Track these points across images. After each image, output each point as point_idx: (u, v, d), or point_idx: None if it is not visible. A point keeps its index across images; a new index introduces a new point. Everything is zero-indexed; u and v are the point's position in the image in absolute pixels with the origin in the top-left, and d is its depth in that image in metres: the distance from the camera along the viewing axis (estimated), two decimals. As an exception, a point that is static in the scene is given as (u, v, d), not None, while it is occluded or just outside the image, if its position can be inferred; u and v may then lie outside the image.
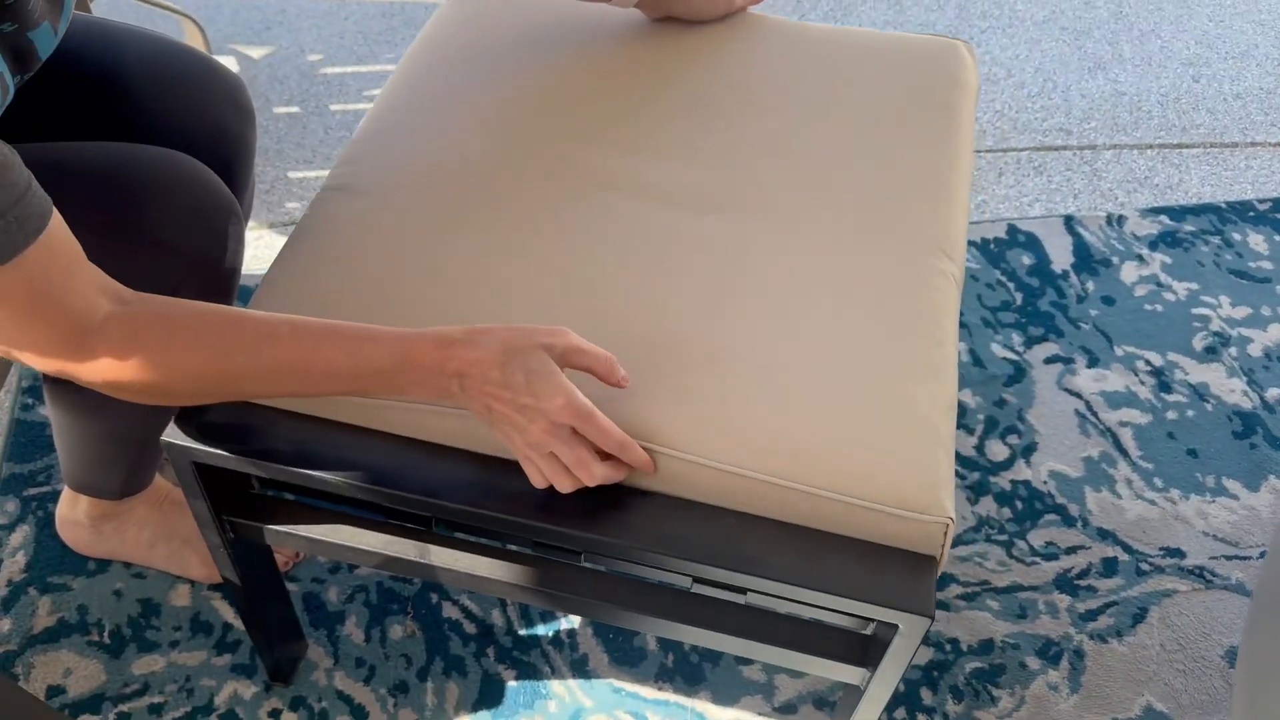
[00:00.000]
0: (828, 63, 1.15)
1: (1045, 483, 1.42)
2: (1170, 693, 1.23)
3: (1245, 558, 1.36)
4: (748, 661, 1.22)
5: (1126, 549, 1.35)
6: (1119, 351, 1.58)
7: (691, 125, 1.07)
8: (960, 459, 1.43)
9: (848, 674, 0.89)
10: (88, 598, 1.24)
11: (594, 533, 0.80)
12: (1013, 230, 1.74)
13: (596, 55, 1.13)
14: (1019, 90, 2.05)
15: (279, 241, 1.67)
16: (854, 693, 0.91)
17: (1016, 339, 1.58)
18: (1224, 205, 1.82)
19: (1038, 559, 1.34)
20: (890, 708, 1.20)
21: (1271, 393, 1.54)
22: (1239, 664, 0.99)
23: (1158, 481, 1.43)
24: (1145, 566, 1.34)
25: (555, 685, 1.20)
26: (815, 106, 1.10)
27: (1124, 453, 1.46)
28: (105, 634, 1.21)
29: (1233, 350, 1.59)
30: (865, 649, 0.88)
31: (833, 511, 0.81)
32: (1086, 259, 1.71)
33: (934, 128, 1.10)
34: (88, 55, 1.02)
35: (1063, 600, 1.30)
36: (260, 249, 1.65)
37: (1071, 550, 1.35)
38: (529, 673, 1.21)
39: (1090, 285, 1.67)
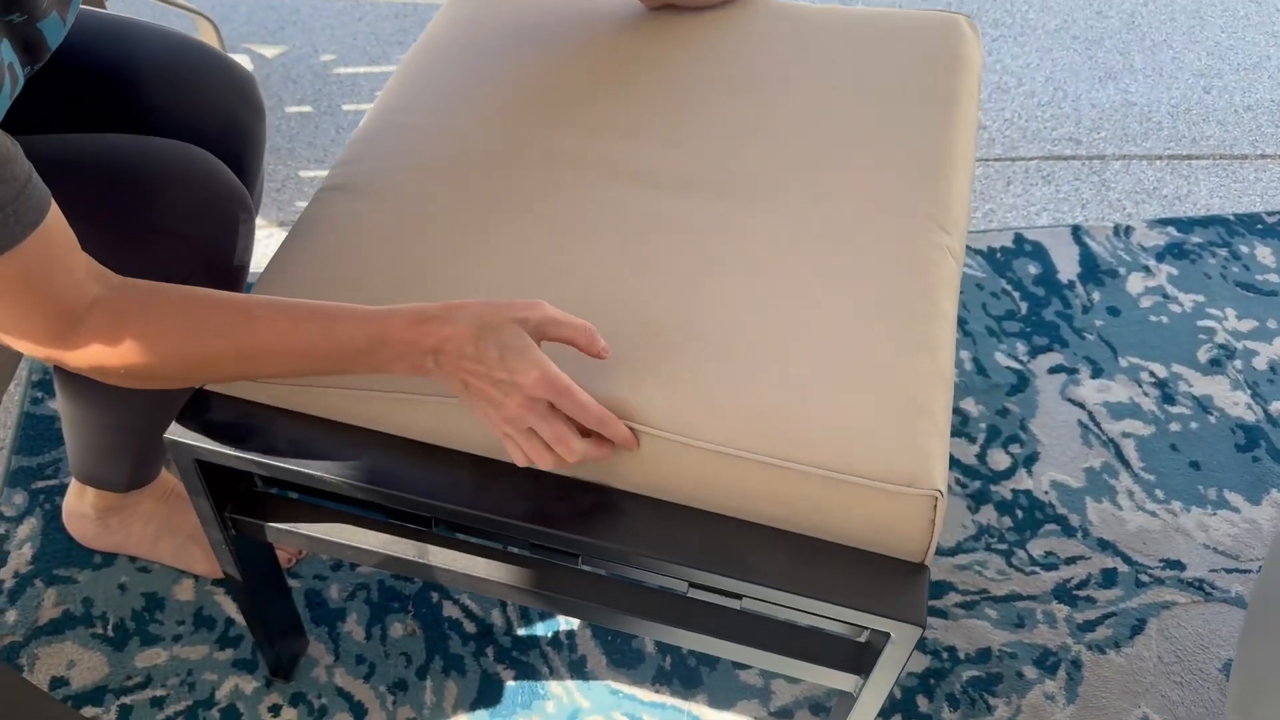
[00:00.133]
0: (828, 41, 1.15)
1: (1046, 492, 1.42)
2: (1167, 705, 1.23)
3: (1245, 571, 1.36)
4: (744, 666, 1.23)
5: (1126, 560, 1.36)
6: (1123, 362, 1.58)
7: (689, 108, 1.06)
8: (961, 467, 1.44)
9: (841, 681, 0.89)
10: (93, 590, 1.25)
11: (589, 536, 0.81)
12: (1019, 239, 1.75)
13: (596, 46, 1.13)
14: (1029, 99, 2.05)
15: (288, 240, 1.69)
16: (847, 700, 0.92)
17: (1021, 348, 1.59)
18: (1232, 217, 1.82)
19: (1037, 569, 1.34)
20: (886, 715, 1.20)
21: (1275, 406, 1.54)
22: (1233, 675, 1.00)
23: (1159, 493, 1.43)
24: (1145, 578, 1.34)
25: (553, 686, 1.21)
26: (814, 84, 1.09)
27: (1126, 464, 1.46)
28: (109, 627, 1.23)
29: (1237, 363, 1.59)
30: (859, 656, 0.89)
31: (820, 490, 0.80)
32: (1093, 269, 1.71)
33: (935, 103, 1.08)
34: (100, 50, 1.03)
35: (1061, 610, 1.30)
36: (270, 247, 1.66)
37: (1071, 560, 1.35)
38: (527, 673, 1.21)
39: (1096, 296, 1.67)
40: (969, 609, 1.30)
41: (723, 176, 1.00)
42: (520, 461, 0.81)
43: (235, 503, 0.95)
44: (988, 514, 1.39)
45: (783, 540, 0.82)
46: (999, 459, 1.45)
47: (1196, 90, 2.10)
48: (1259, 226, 1.80)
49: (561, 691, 1.20)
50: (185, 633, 1.23)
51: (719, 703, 1.20)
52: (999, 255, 1.72)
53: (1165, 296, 1.68)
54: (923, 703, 1.22)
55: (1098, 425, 1.50)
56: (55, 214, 0.73)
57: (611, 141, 1.03)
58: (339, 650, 1.22)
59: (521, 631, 1.25)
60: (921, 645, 1.26)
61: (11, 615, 1.23)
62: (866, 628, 0.86)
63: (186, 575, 1.27)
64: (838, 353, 0.86)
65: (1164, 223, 1.79)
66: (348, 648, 1.22)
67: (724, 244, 0.94)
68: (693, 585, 0.85)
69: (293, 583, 1.27)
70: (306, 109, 1.92)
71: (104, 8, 1.63)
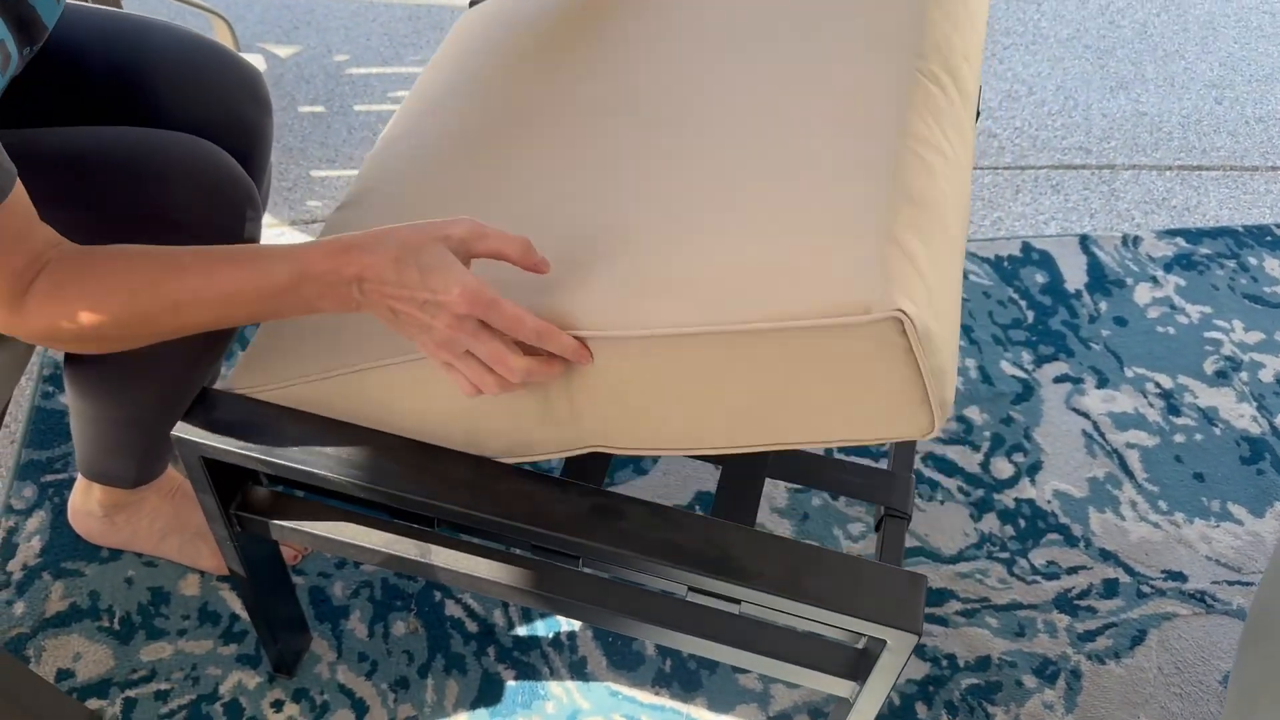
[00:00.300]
0: None
1: (1049, 502, 1.42)
2: (1166, 716, 1.23)
3: (1248, 583, 1.36)
4: (744, 670, 1.24)
5: (1128, 571, 1.36)
6: (1129, 373, 1.58)
7: (655, 34, 1.03)
8: (965, 475, 1.44)
9: (837, 687, 0.90)
10: (99, 584, 1.26)
11: (588, 539, 0.82)
12: (1027, 248, 1.75)
13: (600, 31, 1.10)
14: (1039, 108, 2.05)
15: (300, 239, 1.70)
16: (844, 705, 0.92)
17: (1026, 357, 1.59)
18: (1241, 229, 1.81)
19: (1038, 578, 1.34)
20: (885, 721, 1.21)
21: (1281, 419, 1.54)
22: (1230, 685, 1.00)
23: (1162, 504, 1.43)
24: (1146, 589, 1.34)
25: (553, 686, 1.21)
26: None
27: (1130, 474, 1.46)
28: (115, 620, 1.24)
29: (1244, 375, 1.59)
30: (857, 663, 0.89)
31: (780, 354, 0.74)
32: (1100, 279, 1.71)
33: None
34: (108, 47, 1.04)
35: (1062, 620, 1.30)
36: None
37: (1073, 570, 1.35)
38: (528, 673, 1.22)
39: (1103, 305, 1.67)
40: (969, 617, 1.30)
41: (675, 70, 0.96)
42: (466, 390, 0.78)
43: (241, 500, 0.96)
44: (990, 522, 1.39)
45: (781, 546, 0.82)
46: (1002, 467, 1.45)
47: (1208, 101, 2.10)
48: (1268, 238, 1.80)
49: (562, 692, 1.21)
50: (190, 627, 1.24)
51: (718, 706, 1.21)
52: (1006, 264, 1.72)
53: (1172, 307, 1.68)
54: (922, 710, 1.22)
55: (1102, 435, 1.50)
56: (19, 192, 0.74)
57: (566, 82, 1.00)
58: (342, 647, 1.23)
59: (523, 632, 1.25)
60: (921, 652, 1.26)
61: (19, 607, 1.24)
62: (863, 634, 0.87)
63: (192, 571, 1.28)
64: (782, 199, 0.80)
65: (1173, 233, 1.79)
66: (350, 645, 1.23)
67: (690, 115, 0.89)
68: (692, 589, 0.86)
69: (297, 579, 1.28)
70: (319, 109, 1.94)
71: (120, 6, 1.64)
